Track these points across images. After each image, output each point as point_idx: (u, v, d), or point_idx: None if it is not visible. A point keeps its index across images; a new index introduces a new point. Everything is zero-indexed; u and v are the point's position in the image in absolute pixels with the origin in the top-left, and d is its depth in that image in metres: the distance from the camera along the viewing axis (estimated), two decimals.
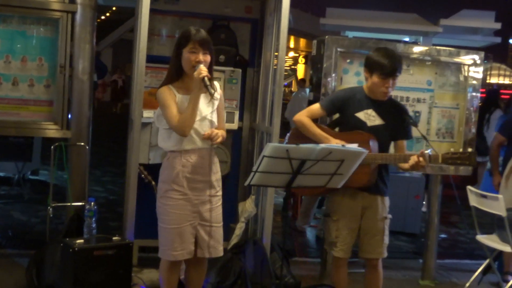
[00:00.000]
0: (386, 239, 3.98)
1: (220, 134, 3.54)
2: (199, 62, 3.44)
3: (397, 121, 3.92)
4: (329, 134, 3.85)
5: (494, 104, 9.69)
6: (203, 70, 3.40)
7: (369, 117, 3.86)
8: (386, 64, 3.74)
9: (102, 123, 14.38)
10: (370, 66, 3.82)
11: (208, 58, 3.49)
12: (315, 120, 3.99)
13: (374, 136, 3.83)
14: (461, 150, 3.74)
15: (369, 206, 3.91)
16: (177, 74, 3.54)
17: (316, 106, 3.97)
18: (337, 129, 4.04)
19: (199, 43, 3.46)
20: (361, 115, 3.86)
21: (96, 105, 20.99)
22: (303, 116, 3.94)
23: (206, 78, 3.39)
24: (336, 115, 4.10)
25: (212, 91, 3.45)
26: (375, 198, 3.92)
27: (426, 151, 3.68)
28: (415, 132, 4.05)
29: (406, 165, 3.74)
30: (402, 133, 3.96)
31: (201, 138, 3.52)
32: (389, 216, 3.99)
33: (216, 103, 3.62)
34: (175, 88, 3.51)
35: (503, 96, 10.87)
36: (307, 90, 8.85)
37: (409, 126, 3.97)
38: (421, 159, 3.65)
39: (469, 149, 3.69)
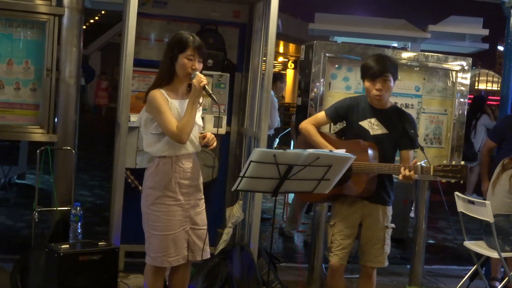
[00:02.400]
0: (387, 248, 3.93)
1: (213, 137, 3.56)
2: (195, 70, 3.45)
3: (400, 131, 3.84)
4: (330, 142, 3.84)
5: (480, 110, 9.78)
6: (202, 78, 3.41)
7: (372, 126, 3.83)
8: (373, 65, 3.74)
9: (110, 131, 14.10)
10: (361, 72, 3.85)
11: (201, 66, 3.51)
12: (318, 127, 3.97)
13: (376, 145, 3.77)
14: (453, 163, 3.66)
15: (369, 215, 3.88)
16: (169, 78, 3.51)
17: (321, 114, 3.98)
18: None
19: (197, 50, 3.46)
20: (365, 123, 3.84)
21: (104, 113, 20.78)
22: (308, 124, 3.94)
23: (206, 86, 3.41)
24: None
25: (215, 97, 3.48)
26: (376, 207, 3.87)
27: (419, 162, 3.64)
28: None
29: (400, 176, 3.70)
30: (405, 143, 3.85)
31: (192, 143, 3.51)
32: (391, 225, 3.94)
33: (201, 107, 3.63)
34: (165, 92, 3.48)
35: (489, 102, 10.95)
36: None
37: (414, 136, 3.87)
38: (412, 172, 3.60)
39: (462, 162, 3.62)
